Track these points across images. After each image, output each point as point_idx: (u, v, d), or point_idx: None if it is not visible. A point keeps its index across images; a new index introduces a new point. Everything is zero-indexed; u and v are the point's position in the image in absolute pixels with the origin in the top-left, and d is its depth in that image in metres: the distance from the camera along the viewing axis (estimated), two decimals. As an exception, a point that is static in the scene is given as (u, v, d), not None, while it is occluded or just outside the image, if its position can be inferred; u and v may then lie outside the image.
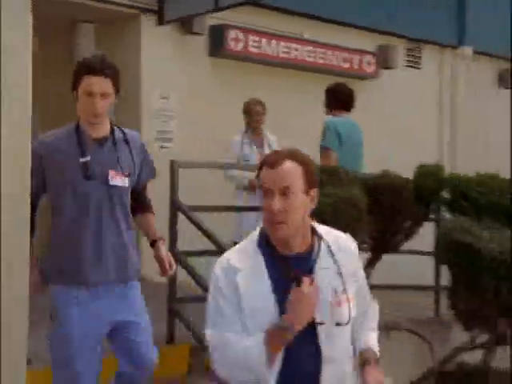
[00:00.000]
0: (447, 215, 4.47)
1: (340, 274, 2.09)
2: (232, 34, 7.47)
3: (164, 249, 3.11)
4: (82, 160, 2.84)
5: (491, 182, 4.10)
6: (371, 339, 2.24)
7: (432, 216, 4.88)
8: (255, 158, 5.62)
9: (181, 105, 7.17)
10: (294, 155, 2.07)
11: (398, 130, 8.87)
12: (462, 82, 10.08)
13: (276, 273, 2.08)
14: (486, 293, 3.62)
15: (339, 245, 2.16)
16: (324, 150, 4.89)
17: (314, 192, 2.11)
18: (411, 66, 9.57)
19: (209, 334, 2.11)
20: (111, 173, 2.86)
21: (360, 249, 4.52)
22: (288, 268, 2.06)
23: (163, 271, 3.09)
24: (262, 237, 2.15)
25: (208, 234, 4.30)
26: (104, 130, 2.95)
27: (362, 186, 4.09)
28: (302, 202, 2.06)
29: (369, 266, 4.66)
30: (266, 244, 2.13)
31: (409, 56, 9.54)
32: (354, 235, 3.96)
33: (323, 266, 2.09)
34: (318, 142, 5.10)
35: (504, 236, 3.43)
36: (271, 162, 2.06)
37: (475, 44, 9.90)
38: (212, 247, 4.35)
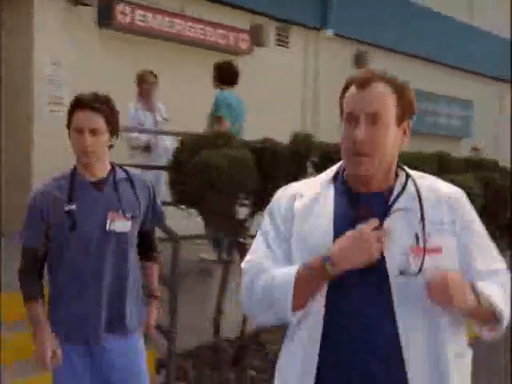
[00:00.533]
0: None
1: (422, 219, 1.71)
2: (119, 7, 7.97)
3: (153, 313, 2.94)
4: (66, 208, 2.62)
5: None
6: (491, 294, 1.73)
7: (303, 176, 5.81)
8: (150, 123, 6.28)
9: (71, 72, 7.57)
10: (386, 76, 1.76)
11: (268, 102, 9.78)
12: (324, 61, 11.22)
13: (343, 208, 1.76)
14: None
15: (434, 191, 1.79)
16: (218, 118, 5.68)
17: (408, 124, 1.79)
18: (280, 45, 10.52)
19: (245, 260, 1.85)
20: (110, 216, 2.64)
21: (243, 204, 5.38)
22: (357, 205, 1.76)
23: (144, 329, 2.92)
24: (338, 171, 1.86)
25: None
26: (101, 170, 2.71)
27: (248, 150, 4.90)
28: (394, 134, 1.73)
29: (250, 218, 5.50)
30: (341, 180, 1.83)
31: (278, 35, 10.48)
32: (246, 191, 4.81)
33: (405, 207, 1.74)
34: (206, 111, 5.88)
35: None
36: (361, 80, 1.74)
37: (336, 27, 11.04)
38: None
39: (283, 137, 5.28)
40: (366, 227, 1.67)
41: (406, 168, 1.84)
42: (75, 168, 2.72)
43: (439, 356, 1.70)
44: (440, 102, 14.01)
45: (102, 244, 2.65)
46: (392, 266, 1.69)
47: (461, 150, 12.38)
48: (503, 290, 1.76)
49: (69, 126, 2.67)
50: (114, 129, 2.69)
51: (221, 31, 9.26)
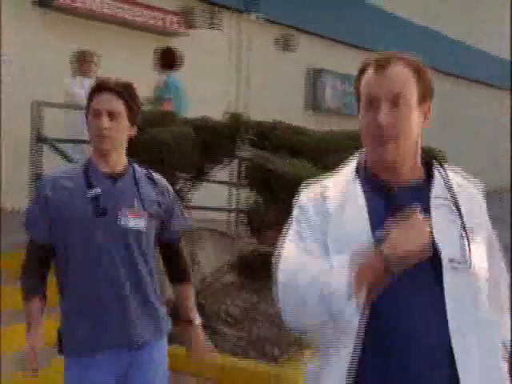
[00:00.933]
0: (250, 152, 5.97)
1: (458, 208, 1.65)
2: (60, -12, 8.20)
3: (202, 333, 2.65)
4: (90, 194, 2.34)
5: (284, 126, 5.73)
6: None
7: (239, 153, 6.34)
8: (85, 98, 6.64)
9: (11, 48, 7.76)
10: (404, 57, 1.70)
11: (198, 82, 10.22)
12: (250, 43, 11.76)
13: (375, 199, 1.68)
14: (282, 207, 5.10)
15: (460, 180, 1.75)
16: (162, 99, 6.16)
17: (429, 106, 1.71)
18: (211, 27, 10.98)
19: (278, 270, 1.68)
20: (126, 212, 2.36)
21: (184, 178, 5.88)
22: (391, 195, 1.67)
23: (193, 355, 2.64)
24: (360, 162, 1.78)
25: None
26: (117, 163, 2.43)
27: (190, 127, 5.41)
28: (416, 115, 1.67)
29: (189, 191, 6.01)
30: (364, 170, 1.75)
31: (206, 17, 10.93)
32: (190, 165, 5.30)
33: (439, 195, 1.67)
34: (142, 90, 6.31)
35: (294, 163, 5.00)
36: (379, 62, 1.67)
37: (262, 10, 11.60)
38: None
39: (213, 115, 5.80)
40: (415, 215, 1.56)
41: (430, 156, 1.77)
42: (89, 159, 2.44)
43: (492, 359, 1.62)
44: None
45: (119, 242, 2.36)
46: (445, 256, 1.58)
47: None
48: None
49: (87, 114, 2.42)
50: (134, 116, 2.42)
51: (155, 13, 9.63)
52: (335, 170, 1.82)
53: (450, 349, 1.56)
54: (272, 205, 5.17)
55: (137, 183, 2.44)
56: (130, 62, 8.82)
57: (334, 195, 1.73)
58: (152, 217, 2.44)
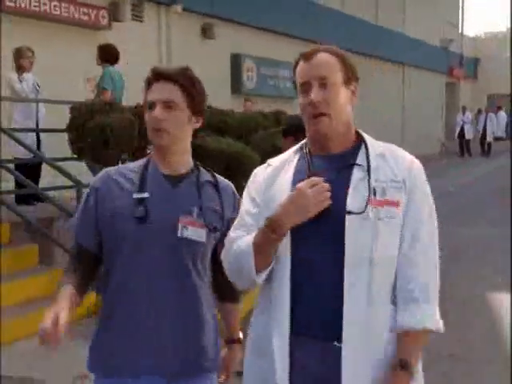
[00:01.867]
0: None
1: (369, 172, 1.86)
2: (-9, -11, 8.79)
3: (238, 354, 2.39)
4: (135, 196, 2.10)
5: (209, 109, 6.65)
6: (406, 340, 1.84)
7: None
8: (30, 92, 7.34)
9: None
10: (329, 48, 1.97)
11: (126, 72, 10.91)
12: (175, 33, 12.57)
13: (302, 173, 1.91)
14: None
15: (392, 153, 1.95)
16: (103, 90, 6.98)
17: (355, 86, 1.96)
18: (135, 20, 11.73)
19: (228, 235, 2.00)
20: (183, 220, 2.10)
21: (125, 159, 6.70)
22: (310, 165, 1.92)
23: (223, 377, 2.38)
24: (305, 143, 2.02)
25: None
26: (179, 163, 2.18)
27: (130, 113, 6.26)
28: (344, 94, 1.92)
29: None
30: (305, 148, 1.99)
31: (133, 11, 11.67)
32: (131, 147, 6.14)
33: (359, 162, 1.90)
34: (75, 81, 7.11)
35: (219, 140, 5.94)
36: (306, 54, 1.95)
37: (185, 2, 12.41)
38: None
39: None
40: (303, 184, 1.82)
41: (362, 133, 1.99)
42: (150, 158, 2.21)
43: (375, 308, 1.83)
44: (279, 67, 15.83)
45: (170, 253, 2.10)
46: (347, 208, 1.82)
47: (296, 108, 14.33)
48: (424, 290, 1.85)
49: (144, 107, 2.17)
50: (196, 106, 2.15)
51: (83, 9, 10.32)
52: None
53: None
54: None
55: (199, 189, 2.18)
56: (62, 56, 9.53)
57: (274, 164, 2.02)
58: (210, 229, 2.15)
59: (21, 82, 7.37)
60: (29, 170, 6.82)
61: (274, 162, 2.04)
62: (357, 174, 1.88)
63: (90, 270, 2.22)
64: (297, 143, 2.07)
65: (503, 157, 22.23)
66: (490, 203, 12.70)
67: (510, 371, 4.39)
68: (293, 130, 4.77)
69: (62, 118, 7.47)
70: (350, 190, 1.85)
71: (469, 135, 24.68)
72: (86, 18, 10.39)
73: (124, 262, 2.10)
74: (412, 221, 1.87)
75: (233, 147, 6.06)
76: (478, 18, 74.89)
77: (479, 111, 25.91)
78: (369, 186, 1.85)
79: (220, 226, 2.17)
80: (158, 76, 2.15)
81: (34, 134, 7.22)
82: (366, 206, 1.81)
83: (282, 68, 15.85)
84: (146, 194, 2.10)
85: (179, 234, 2.09)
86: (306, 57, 1.94)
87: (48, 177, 7.34)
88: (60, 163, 6.29)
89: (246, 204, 2.01)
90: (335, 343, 1.82)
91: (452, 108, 28.30)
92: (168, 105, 2.10)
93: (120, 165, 2.30)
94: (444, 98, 28.40)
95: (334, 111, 1.88)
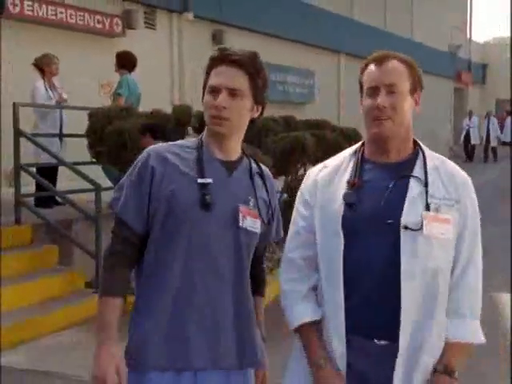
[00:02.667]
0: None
1: (426, 186, 1.94)
2: (10, -2, 9.05)
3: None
4: (200, 181, 1.99)
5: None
6: (454, 348, 1.96)
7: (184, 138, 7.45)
8: (55, 98, 7.57)
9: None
10: (399, 55, 2.03)
11: (140, 78, 11.19)
12: (186, 40, 12.80)
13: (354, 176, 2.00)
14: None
15: (446, 170, 2.01)
16: (118, 96, 7.20)
17: (418, 95, 2.03)
18: (148, 27, 11.97)
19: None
20: (242, 209, 2.03)
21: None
22: (359, 172, 2.00)
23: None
24: (361, 145, 2.08)
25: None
26: (233, 150, 2.09)
27: (145, 118, 6.48)
28: (409, 102, 1.99)
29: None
30: (361, 153, 2.05)
31: (146, 19, 11.92)
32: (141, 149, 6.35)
33: (416, 173, 1.97)
34: (92, 87, 7.36)
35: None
36: (378, 58, 2.01)
37: (196, 10, 12.65)
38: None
39: (157, 107, 6.83)
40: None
41: (420, 142, 2.06)
42: (201, 140, 2.10)
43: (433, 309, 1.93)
44: (288, 73, 16.02)
45: (230, 245, 2.02)
46: (402, 222, 1.90)
47: (305, 113, 14.53)
48: (471, 306, 1.99)
49: (204, 90, 2.05)
50: (259, 95, 2.07)
51: (98, 17, 10.56)
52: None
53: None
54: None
55: (252, 178, 2.11)
56: (80, 63, 9.78)
57: (330, 166, 2.07)
58: (264, 221, 2.11)
59: (47, 89, 7.51)
60: (46, 173, 7.04)
61: (330, 164, 2.09)
62: (414, 187, 1.95)
63: (136, 259, 2.05)
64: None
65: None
66: (495, 206, 12.83)
67: (510, 365, 4.54)
68: (149, 129, 5.42)
69: (79, 123, 7.72)
70: (406, 204, 1.92)
71: (475, 140, 24.36)
72: (100, 25, 10.63)
73: (187, 248, 1.98)
74: (468, 245, 1.98)
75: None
76: (485, 24, 74.91)
77: (487, 116, 25.99)
78: (426, 201, 1.92)
79: (269, 219, 2.14)
80: (225, 58, 2.03)
81: (57, 141, 7.42)
82: (421, 222, 1.89)
83: (291, 74, 16.05)
84: (209, 180, 2.00)
85: (240, 224, 2.02)
86: (378, 61, 2.00)
87: (65, 180, 7.57)
88: (78, 167, 6.50)
89: (299, 206, 2.09)
90: (386, 342, 1.93)
91: (460, 113, 28.39)
92: (233, 92, 2.00)
93: (164, 143, 2.10)
94: (452, 103, 28.54)
95: (397, 117, 1.95)
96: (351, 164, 2.04)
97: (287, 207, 7.74)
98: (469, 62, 29.49)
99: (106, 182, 6.50)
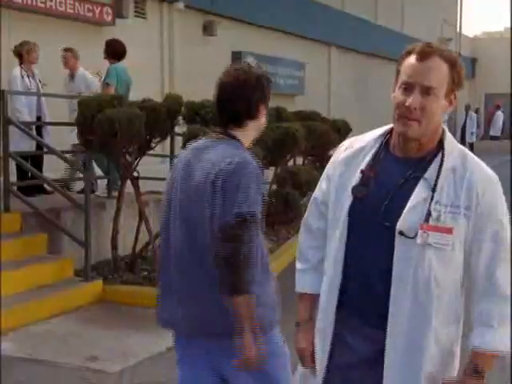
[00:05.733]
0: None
1: (434, 190, 1.89)
2: (-1, -14, 8.96)
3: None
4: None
5: (211, 104, 6.81)
6: (480, 353, 1.91)
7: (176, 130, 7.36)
8: (34, 87, 7.52)
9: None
10: (444, 52, 1.91)
11: (130, 67, 11.15)
12: (177, 30, 12.76)
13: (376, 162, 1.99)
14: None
15: (459, 169, 1.91)
16: (106, 85, 7.17)
17: (455, 95, 1.93)
18: (138, 16, 11.93)
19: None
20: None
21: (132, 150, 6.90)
22: (376, 162, 1.99)
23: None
24: (390, 129, 2.04)
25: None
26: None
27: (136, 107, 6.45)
28: (442, 105, 1.91)
29: (135, 160, 7.05)
30: (386, 141, 2.03)
31: (137, 8, 11.87)
32: (137, 139, 6.34)
33: (421, 176, 1.91)
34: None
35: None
36: (422, 53, 1.88)
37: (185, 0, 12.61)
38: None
39: (146, 97, 6.80)
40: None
41: (447, 138, 1.96)
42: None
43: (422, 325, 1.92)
44: (279, 64, 16.02)
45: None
46: (398, 229, 1.89)
47: (295, 105, 14.55)
48: (499, 319, 1.89)
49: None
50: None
51: (87, 5, 10.50)
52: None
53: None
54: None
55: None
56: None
57: (355, 147, 2.08)
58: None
59: (23, 77, 7.42)
60: (32, 163, 7.01)
61: (356, 144, 2.09)
62: (420, 191, 1.90)
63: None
64: None
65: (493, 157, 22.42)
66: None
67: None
68: None
69: (64, 112, 7.69)
70: (406, 209, 1.89)
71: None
72: (90, 14, 10.57)
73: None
74: (487, 252, 1.90)
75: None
76: (475, 18, 75.14)
77: (476, 110, 26.06)
78: (428, 209, 1.88)
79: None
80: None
81: (33, 129, 7.34)
82: (417, 232, 1.87)
83: (282, 65, 16.05)
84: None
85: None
86: (421, 56, 1.89)
87: (49, 170, 7.53)
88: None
89: (322, 178, 2.18)
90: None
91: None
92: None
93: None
94: (441, 97, 28.55)
95: (425, 120, 1.88)
96: (373, 150, 2.03)
97: (277, 198, 7.85)
98: (458, 55, 29.51)
99: (97, 172, 6.48)
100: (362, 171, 2.00)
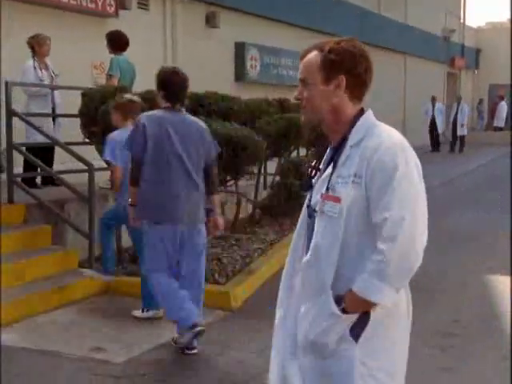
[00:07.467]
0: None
1: (333, 168, 2.10)
2: (2, -22, 8.94)
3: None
4: None
5: (215, 96, 6.83)
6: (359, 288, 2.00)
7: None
8: (47, 78, 7.53)
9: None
10: (321, 45, 2.11)
11: (132, 58, 11.13)
12: (180, 21, 12.73)
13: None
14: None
15: (364, 140, 2.07)
16: (110, 76, 7.17)
17: (340, 79, 2.07)
18: (141, 8, 11.90)
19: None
20: None
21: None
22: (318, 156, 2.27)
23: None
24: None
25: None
26: None
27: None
28: (322, 92, 2.09)
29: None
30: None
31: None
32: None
33: (328, 159, 2.18)
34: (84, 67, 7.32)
35: (225, 125, 6.15)
36: (301, 54, 2.16)
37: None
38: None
39: (149, 88, 6.78)
40: None
41: (363, 122, 2.11)
42: None
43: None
44: (282, 55, 15.98)
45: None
46: (312, 206, 2.18)
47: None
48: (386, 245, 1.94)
49: None
50: None
51: (92, -3, 10.49)
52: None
53: None
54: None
55: None
56: (73, 44, 9.71)
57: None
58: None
59: (35, 68, 7.45)
60: (41, 155, 7.02)
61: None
62: (328, 170, 2.14)
63: None
64: None
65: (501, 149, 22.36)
66: (485, 190, 12.91)
67: (511, 352, 4.60)
68: None
69: (71, 104, 7.68)
70: (317, 186, 2.18)
71: (440, 128, 22.24)
72: (93, 6, 10.54)
73: None
74: (378, 213, 1.97)
75: (240, 133, 6.27)
76: (479, 9, 74.75)
77: (480, 101, 25.99)
78: (328, 182, 2.10)
79: None
80: None
81: (50, 121, 7.38)
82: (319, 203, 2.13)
83: (285, 57, 15.99)
84: None
85: None
86: (301, 57, 2.17)
87: (57, 162, 7.55)
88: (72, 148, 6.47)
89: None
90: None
91: (453, 98, 28.47)
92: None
93: None
94: (445, 88, 28.53)
95: (311, 105, 2.13)
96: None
97: (281, 189, 7.85)
98: (462, 46, 29.47)
99: (100, 163, 6.48)
100: (310, 165, 2.28)
